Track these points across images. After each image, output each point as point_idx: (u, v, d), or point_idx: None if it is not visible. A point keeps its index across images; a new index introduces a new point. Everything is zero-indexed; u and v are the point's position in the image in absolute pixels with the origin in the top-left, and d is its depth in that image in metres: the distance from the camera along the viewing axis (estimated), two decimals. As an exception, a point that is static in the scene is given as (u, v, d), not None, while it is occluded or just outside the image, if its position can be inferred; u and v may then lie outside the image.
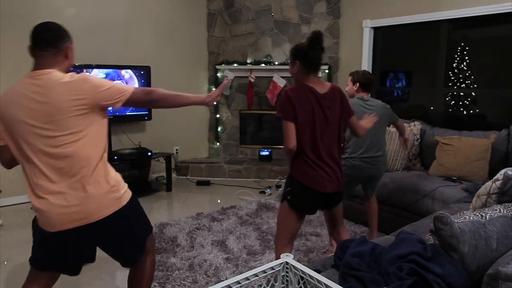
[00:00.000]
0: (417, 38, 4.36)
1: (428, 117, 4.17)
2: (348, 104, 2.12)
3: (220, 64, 5.39)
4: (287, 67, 5.11)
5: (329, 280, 0.98)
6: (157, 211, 3.99)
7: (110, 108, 1.64)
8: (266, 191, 4.50)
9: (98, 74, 4.17)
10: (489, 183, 1.87)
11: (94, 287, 2.51)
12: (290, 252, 2.12)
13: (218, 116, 5.57)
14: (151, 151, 4.44)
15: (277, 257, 2.07)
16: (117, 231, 1.67)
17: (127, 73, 4.43)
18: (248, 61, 5.27)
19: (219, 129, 5.58)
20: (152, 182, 4.78)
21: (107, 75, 4.24)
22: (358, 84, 2.84)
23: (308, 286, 1.04)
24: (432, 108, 4.31)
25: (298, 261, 2.49)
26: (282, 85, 5.14)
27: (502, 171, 1.84)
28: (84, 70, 4.01)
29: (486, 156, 3.21)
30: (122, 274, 2.60)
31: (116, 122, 4.48)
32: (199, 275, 2.59)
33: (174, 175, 5.16)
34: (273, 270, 1.09)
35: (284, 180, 4.72)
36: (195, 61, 5.40)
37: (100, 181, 1.59)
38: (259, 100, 5.38)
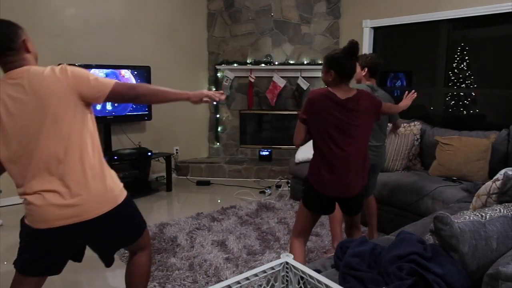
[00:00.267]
0: (417, 38, 4.36)
1: (428, 117, 4.16)
2: (375, 99, 2.11)
3: (220, 64, 5.39)
4: (287, 67, 5.14)
5: (329, 280, 0.98)
6: (157, 211, 3.99)
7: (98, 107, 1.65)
8: (266, 191, 4.50)
9: (98, 74, 4.17)
10: (489, 183, 1.86)
11: (94, 287, 2.52)
12: (302, 245, 2.18)
13: (218, 116, 5.57)
14: (151, 151, 4.44)
15: (290, 245, 2.20)
16: (110, 230, 1.65)
17: (126, 73, 4.43)
18: (248, 61, 5.27)
19: (219, 129, 5.59)
20: (152, 182, 4.78)
21: (107, 75, 4.24)
22: (366, 69, 2.74)
23: (308, 286, 1.04)
24: (432, 108, 4.31)
25: (306, 252, 2.48)
26: (282, 85, 5.14)
27: (502, 171, 1.84)
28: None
29: (486, 156, 3.21)
30: (122, 274, 2.60)
31: (116, 122, 4.48)
32: (199, 275, 2.59)
33: (174, 175, 5.16)
34: (273, 270, 1.09)
35: (284, 180, 4.74)
36: (195, 61, 5.40)
37: (97, 177, 1.58)
38: (259, 100, 5.38)
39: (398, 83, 4.69)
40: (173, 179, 4.98)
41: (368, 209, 2.98)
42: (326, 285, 0.97)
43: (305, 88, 5.08)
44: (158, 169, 4.94)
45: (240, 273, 2.42)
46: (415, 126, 3.74)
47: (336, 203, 2.18)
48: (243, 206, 3.97)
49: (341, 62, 1.99)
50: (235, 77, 5.36)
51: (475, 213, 1.50)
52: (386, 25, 4.52)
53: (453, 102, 4.11)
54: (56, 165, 1.51)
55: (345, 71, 1.99)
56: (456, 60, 4.04)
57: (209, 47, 5.48)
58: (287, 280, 1.11)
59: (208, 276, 2.58)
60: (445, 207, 2.54)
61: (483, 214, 1.48)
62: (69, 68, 1.55)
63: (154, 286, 2.45)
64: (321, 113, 1.98)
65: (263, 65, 5.19)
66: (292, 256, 1.11)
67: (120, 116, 4.43)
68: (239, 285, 1.00)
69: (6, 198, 3.96)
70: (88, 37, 4.32)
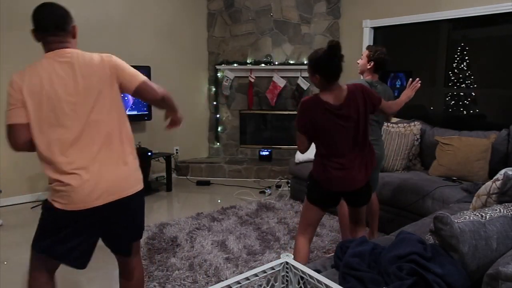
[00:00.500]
0: (417, 38, 4.36)
1: (428, 117, 4.16)
2: (372, 93, 2.09)
3: (220, 64, 5.39)
4: (287, 67, 5.14)
5: (329, 280, 0.98)
6: (157, 211, 3.99)
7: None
8: (266, 191, 4.50)
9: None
10: (489, 183, 1.86)
11: (94, 287, 2.52)
12: (307, 242, 2.19)
13: (218, 116, 5.57)
14: (151, 151, 4.44)
15: (295, 241, 2.21)
16: (133, 212, 1.71)
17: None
18: (248, 61, 5.27)
19: (219, 129, 5.59)
20: (152, 182, 4.78)
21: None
22: (373, 63, 2.69)
23: (308, 286, 1.04)
24: (432, 108, 4.31)
25: (309, 251, 2.48)
26: (282, 85, 5.14)
27: (502, 171, 1.84)
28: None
29: (486, 156, 3.21)
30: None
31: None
32: (199, 275, 2.59)
33: (174, 175, 5.16)
34: (273, 270, 1.09)
35: (284, 180, 4.74)
36: (195, 61, 5.40)
37: (129, 157, 1.67)
38: (259, 100, 5.38)
39: (398, 83, 4.69)
40: (173, 179, 4.98)
41: (371, 210, 2.97)
42: (326, 285, 0.97)
43: (305, 88, 5.08)
44: (158, 169, 4.94)
45: (240, 273, 2.42)
46: (415, 126, 3.74)
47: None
48: (243, 206, 3.97)
49: (323, 65, 1.96)
50: (235, 77, 5.36)
51: (475, 213, 1.50)
52: (386, 25, 4.52)
53: (453, 102, 4.11)
54: (98, 144, 1.58)
55: (329, 73, 1.97)
56: (456, 60, 4.04)
57: (209, 47, 5.48)
58: (287, 280, 1.11)
59: (208, 276, 2.58)
60: (445, 207, 2.53)
61: (483, 214, 1.48)
62: (114, 57, 1.68)
63: (154, 286, 2.45)
64: (316, 121, 1.98)
65: (263, 65, 5.19)
66: (292, 256, 1.11)
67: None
68: (239, 285, 1.00)
69: (6, 198, 3.96)
70: (88, 37, 4.31)
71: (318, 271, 1.50)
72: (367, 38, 4.71)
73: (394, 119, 3.96)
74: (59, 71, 1.56)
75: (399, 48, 4.62)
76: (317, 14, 5.11)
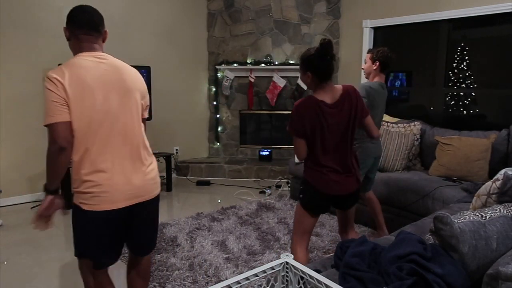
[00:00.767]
0: (417, 38, 4.36)
1: (428, 117, 4.16)
2: (363, 105, 2.07)
3: (220, 64, 5.39)
4: (287, 67, 5.14)
5: (329, 280, 0.98)
6: (157, 211, 3.99)
7: None
8: (266, 191, 4.50)
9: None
10: (489, 183, 1.86)
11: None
12: (305, 248, 2.17)
13: (218, 116, 5.57)
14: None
15: (293, 251, 2.17)
16: (154, 214, 1.80)
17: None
18: (248, 61, 5.27)
19: (219, 129, 5.59)
20: (152, 182, 4.78)
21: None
22: (378, 63, 2.68)
23: (308, 286, 1.04)
24: (432, 108, 4.31)
25: (310, 259, 2.48)
26: (282, 85, 5.14)
27: (502, 171, 1.84)
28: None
29: (486, 156, 3.21)
30: (123, 274, 2.60)
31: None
32: (199, 275, 2.59)
33: (174, 175, 5.17)
34: (273, 270, 1.09)
35: (284, 180, 4.74)
36: (195, 61, 5.40)
37: (152, 165, 1.77)
38: (259, 100, 5.38)
39: (398, 83, 4.69)
40: (173, 179, 4.98)
41: (373, 208, 2.98)
42: (326, 285, 0.97)
43: (305, 88, 5.08)
44: (158, 169, 4.94)
45: (240, 273, 2.42)
46: (415, 126, 3.75)
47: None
48: (243, 206, 3.97)
49: (315, 63, 1.95)
50: (235, 77, 5.36)
51: (475, 213, 1.50)
52: (386, 25, 4.52)
53: (453, 102, 4.11)
54: (129, 146, 1.64)
55: (322, 71, 1.96)
56: (456, 60, 4.04)
57: (209, 47, 5.48)
58: (287, 280, 1.11)
59: (208, 276, 2.58)
60: (445, 207, 2.53)
61: (483, 214, 1.48)
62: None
63: (154, 286, 2.45)
64: (313, 121, 1.96)
65: (263, 65, 5.19)
66: (292, 256, 1.11)
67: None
68: (239, 285, 1.00)
69: (6, 198, 3.97)
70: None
71: (318, 271, 1.50)
72: (367, 38, 4.71)
73: (394, 119, 3.96)
74: (101, 71, 1.60)
75: (399, 48, 4.62)
76: (317, 14, 5.11)
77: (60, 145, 1.51)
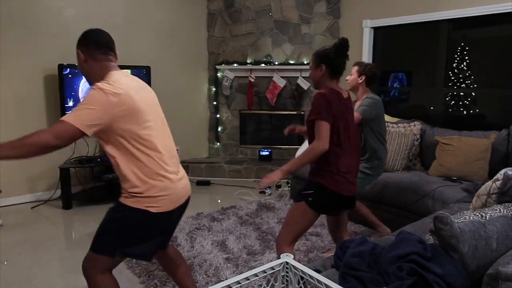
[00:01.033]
0: (417, 38, 4.36)
1: (428, 117, 4.17)
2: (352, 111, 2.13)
3: (220, 64, 5.39)
4: (287, 67, 5.14)
5: (329, 280, 0.98)
6: (157, 211, 3.99)
7: None
8: (266, 191, 4.50)
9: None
10: (489, 183, 1.86)
11: None
12: (293, 251, 2.15)
13: (218, 116, 5.57)
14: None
15: (280, 251, 2.11)
16: (182, 214, 1.91)
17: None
18: (248, 61, 5.27)
19: (219, 129, 5.59)
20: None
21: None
22: (364, 77, 2.69)
23: (308, 286, 1.04)
24: (432, 108, 4.31)
25: (298, 261, 2.49)
26: (282, 85, 5.14)
27: (502, 171, 1.84)
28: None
29: (486, 156, 3.21)
30: (123, 274, 2.60)
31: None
32: (199, 275, 2.59)
33: (174, 175, 5.16)
34: (273, 270, 1.09)
35: (284, 180, 4.74)
36: (195, 61, 5.40)
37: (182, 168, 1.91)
38: (259, 100, 5.38)
39: (398, 83, 4.69)
40: (173, 179, 4.97)
41: (361, 212, 3.01)
42: (326, 285, 0.97)
43: (305, 88, 5.08)
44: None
45: (240, 273, 2.42)
46: (415, 126, 3.75)
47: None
48: (243, 206, 3.97)
49: (332, 57, 1.99)
50: (235, 77, 5.36)
51: (475, 213, 1.50)
52: (386, 25, 4.52)
53: (453, 102, 4.11)
54: (170, 150, 1.78)
55: (336, 66, 1.99)
56: (456, 60, 4.04)
57: (209, 47, 5.48)
58: (287, 280, 1.11)
59: (208, 276, 2.58)
60: (445, 207, 2.54)
61: (483, 214, 1.48)
62: None
63: (155, 284, 2.45)
64: (337, 113, 1.95)
65: (263, 65, 5.19)
66: (292, 256, 1.11)
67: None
68: (239, 285, 1.00)
69: (6, 198, 3.96)
70: (88, 37, 4.32)
71: (318, 271, 1.50)
72: (367, 38, 4.71)
73: (394, 119, 3.96)
74: (139, 89, 1.72)
75: (399, 48, 4.63)
76: (317, 14, 5.11)
77: None
